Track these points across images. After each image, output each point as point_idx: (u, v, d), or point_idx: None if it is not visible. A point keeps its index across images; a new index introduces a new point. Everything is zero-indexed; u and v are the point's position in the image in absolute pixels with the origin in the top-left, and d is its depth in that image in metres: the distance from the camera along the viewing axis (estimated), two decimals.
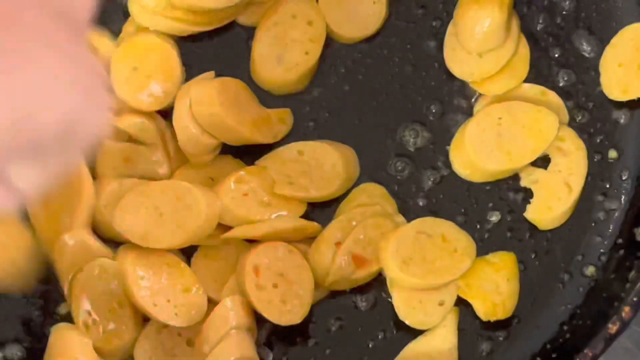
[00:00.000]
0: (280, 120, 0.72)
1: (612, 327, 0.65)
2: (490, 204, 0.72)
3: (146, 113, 0.71)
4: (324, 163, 0.71)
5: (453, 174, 0.73)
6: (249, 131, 0.70)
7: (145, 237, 0.68)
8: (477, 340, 0.71)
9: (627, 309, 0.65)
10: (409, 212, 0.72)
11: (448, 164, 0.73)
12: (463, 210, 0.72)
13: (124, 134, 0.71)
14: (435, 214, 0.72)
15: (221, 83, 0.70)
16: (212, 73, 0.72)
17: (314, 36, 0.73)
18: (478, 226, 0.72)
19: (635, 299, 0.66)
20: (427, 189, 0.73)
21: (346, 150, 0.72)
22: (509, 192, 0.72)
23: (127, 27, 0.73)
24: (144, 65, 0.71)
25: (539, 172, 0.72)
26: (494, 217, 0.72)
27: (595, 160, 0.73)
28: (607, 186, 0.73)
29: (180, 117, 0.70)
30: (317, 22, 0.73)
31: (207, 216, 0.68)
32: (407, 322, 0.70)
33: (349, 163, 0.71)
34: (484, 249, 0.72)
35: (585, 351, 0.65)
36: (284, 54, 0.72)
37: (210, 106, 0.69)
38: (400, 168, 0.73)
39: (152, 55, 0.71)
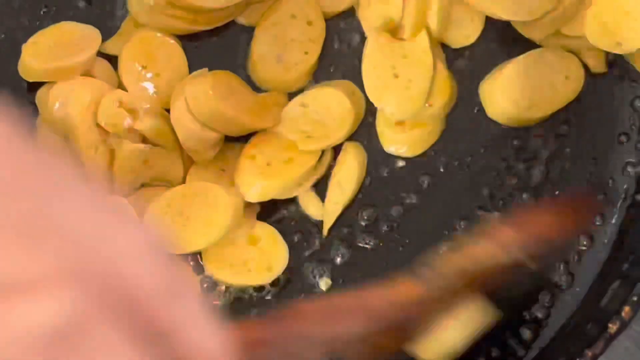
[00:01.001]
0: (276, 103, 0.72)
1: (612, 327, 0.65)
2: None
3: (161, 114, 0.71)
4: (330, 105, 0.71)
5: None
6: (249, 118, 0.70)
7: (175, 244, 0.68)
8: None
9: (627, 308, 0.65)
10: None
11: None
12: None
13: (138, 136, 0.71)
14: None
15: (213, 77, 0.70)
16: (205, 70, 0.72)
17: (314, 36, 0.73)
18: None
19: (635, 298, 0.66)
20: (423, 187, 0.73)
21: (344, 84, 0.72)
22: None
23: (127, 24, 0.73)
24: (152, 63, 0.71)
25: None
26: None
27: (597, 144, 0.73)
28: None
29: (178, 116, 0.70)
30: (316, 22, 0.73)
31: (234, 208, 0.68)
32: None
33: (351, 95, 0.72)
34: None
35: (585, 351, 0.65)
36: (284, 54, 0.72)
37: (207, 101, 0.69)
38: (401, 165, 0.73)
39: (159, 53, 0.72)
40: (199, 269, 0.71)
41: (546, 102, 0.72)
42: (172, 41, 0.72)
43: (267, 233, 0.72)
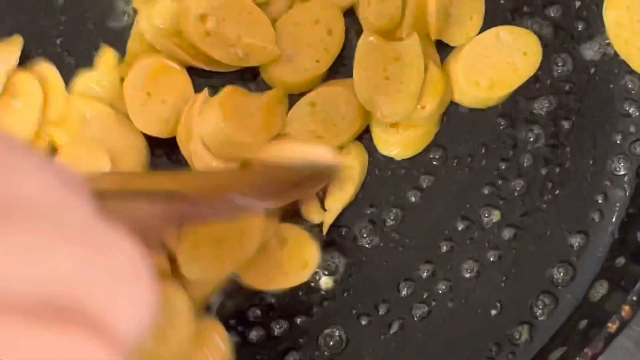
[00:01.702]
0: (279, 101, 0.72)
1: (612, 327, 0.65)
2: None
3: None
4: (339, 104, 0.71)
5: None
6: (263, 135, 0.70)
7: (217, 269, 0.68)
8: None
9: (627, 308, 0.65)
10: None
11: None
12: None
13: None
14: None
15: (221, 106, 0.69)
16: (206, 93, 0.70)
17: (330, 47, 0.72)
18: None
19: (635, 298, 0.66)
20: (424, 187, 0.73)
21: (351, 83, 0.71)
22: None
23: (132, 44, 0.72)
24: (157, 90, 0.71)
25: None
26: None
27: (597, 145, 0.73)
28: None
29: (197, 155, 0.69)
30: (336, 34, 0.72)
31: (262, 221, 0.68)
32: None
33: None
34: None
35: (585, 350, 0.65)
36: (296, 56, 0.72)
37: (221, 135, 0.68)
38: (402, 165, 0.73)
39: (163, 78, 0.71)
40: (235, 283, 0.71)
41: (507, 80, 0.72)
42: (177, 67, 0.71)
43: (292, 233, 0.71)
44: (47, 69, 0.72)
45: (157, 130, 0.71)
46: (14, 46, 0.71)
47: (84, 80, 0.72)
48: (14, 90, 0.71)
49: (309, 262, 0.71)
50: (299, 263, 0.71)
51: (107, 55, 0.72)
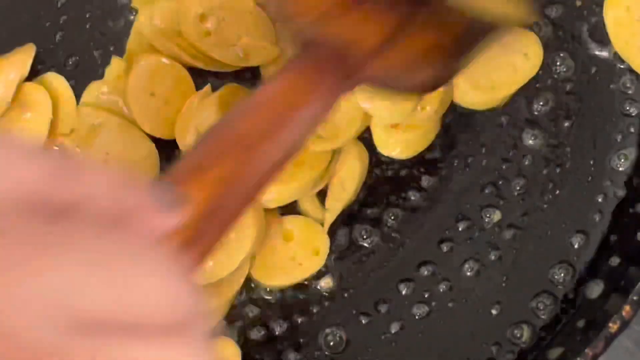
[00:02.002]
0: None
1: (613, 326, 0.65)
2: None
3: None
4: (339, 103, 0.71)
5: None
6: None
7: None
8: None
9: (627, 307, 0.65)
10: None
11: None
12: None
13: None
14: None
15: (219, 99, 0.69)
16: (208, 89, 0.71)
17: None
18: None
19: (635, 297, 0.66)
20: (424, 187, 0.73)
21: None
22: None
23: (132, 44, 0.72)
24: (160, 90, 0.71)
25: None
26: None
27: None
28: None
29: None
30: None
31: (256, 220, 0.69)
32: None
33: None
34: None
35: (585, 350, 0.65)
36: None
37: None
38: (402, 165, 0.74)
39: (165, 78, 0.71)
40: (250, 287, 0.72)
41: (507, 81, 0.72)
42: (178, 67, 0.71)
43: (296, 223, 0.71)
44: (56, 79, 0.71)
45: (164, 132, 0.71)
46: (27, 54, 0.71)
47: (94, 90, 0.72)
48: (23, 101, 0.71)
49: (320, 248, 0.71)
50: (310, 251, 0.71)
51: (116, 66, 0.72)
